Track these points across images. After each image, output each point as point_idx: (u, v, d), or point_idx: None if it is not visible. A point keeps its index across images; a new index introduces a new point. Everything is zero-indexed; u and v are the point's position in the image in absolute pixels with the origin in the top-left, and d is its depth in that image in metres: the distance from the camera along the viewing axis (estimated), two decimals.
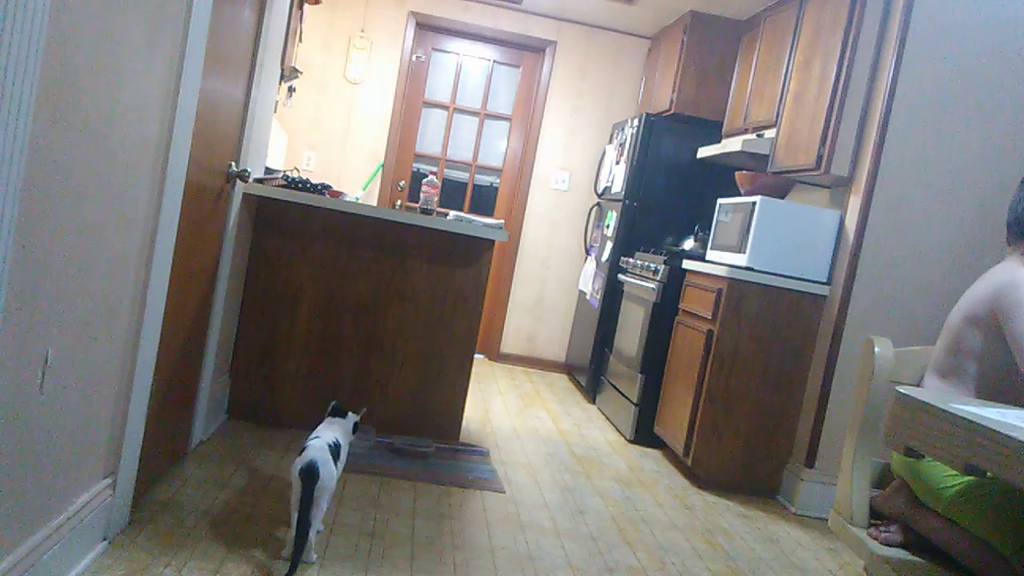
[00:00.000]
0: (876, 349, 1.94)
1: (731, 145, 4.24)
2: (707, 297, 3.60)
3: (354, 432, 2.46)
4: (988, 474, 1.41)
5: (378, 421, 3.34)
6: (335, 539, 2.31)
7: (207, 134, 2.39)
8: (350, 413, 2.46)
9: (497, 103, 5.82)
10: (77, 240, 1.58)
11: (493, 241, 3.40)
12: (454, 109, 5.78)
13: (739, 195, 4.04)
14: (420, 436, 3.39)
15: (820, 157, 3.41)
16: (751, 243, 3.49)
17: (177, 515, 2.27)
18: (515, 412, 4.33)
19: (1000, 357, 1.89)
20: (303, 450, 2.13)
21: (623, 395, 4.28)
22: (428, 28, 5.69)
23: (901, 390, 1.47)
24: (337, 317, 3.33)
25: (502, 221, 3.66)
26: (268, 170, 3.35)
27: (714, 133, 4.74)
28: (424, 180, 3.62)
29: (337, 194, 3.37)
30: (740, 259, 3.55)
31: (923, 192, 3.33)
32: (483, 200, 5.90)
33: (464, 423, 3.54)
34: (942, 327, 2.05)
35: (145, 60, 1.78)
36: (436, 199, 3.61)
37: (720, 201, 3.98)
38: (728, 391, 3.47)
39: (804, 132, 3.59)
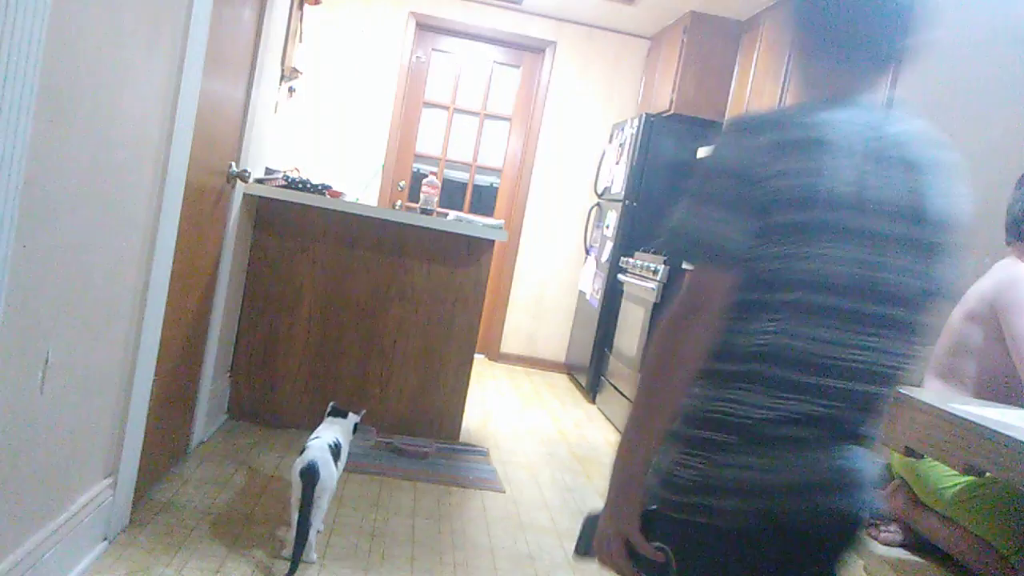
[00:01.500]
0: None
1: None
2: None
3: (354, 432, 2.47)
4: (988, 474, 1.41)
5: (378, 421, 3.34)
6: (335, 539, 2.31)
7: (207, 134, 2.39)
8: (350, 413, 2.46)
9: (497, 103, 5.81)
10: (77, 240, 1.58)
11: (493, 241, 3.40)
12: (454, 109, 5.78)
13: None
14: (420, 436, 3.39)
15: None
16: None
17: (177, 515, 2.27)
18: (515, 412, 4.33)
19: (999, 358, 1.89)
20: (303, 450, 2.14)
21: (623, 395, 4.28)
22: (428, 28, 5.69)
23: (901, 390, 1.47)
24: (337, 317, 3.33)
25: (502, 221, 3.66)
26: (268, 170, 3.35)
27: (714, 133, 4.74)
28: (424, 180, 3.62)
29: (337, 194, 3.37)
30: None
31: None
32: (483, 200, 5.90)
33: (464, 423, 3.54)
34: (942, 328, 2.05)
35: (146, 61, 1.78)
36: (436, 199, 3.61)
37: None
38: None
39: None
